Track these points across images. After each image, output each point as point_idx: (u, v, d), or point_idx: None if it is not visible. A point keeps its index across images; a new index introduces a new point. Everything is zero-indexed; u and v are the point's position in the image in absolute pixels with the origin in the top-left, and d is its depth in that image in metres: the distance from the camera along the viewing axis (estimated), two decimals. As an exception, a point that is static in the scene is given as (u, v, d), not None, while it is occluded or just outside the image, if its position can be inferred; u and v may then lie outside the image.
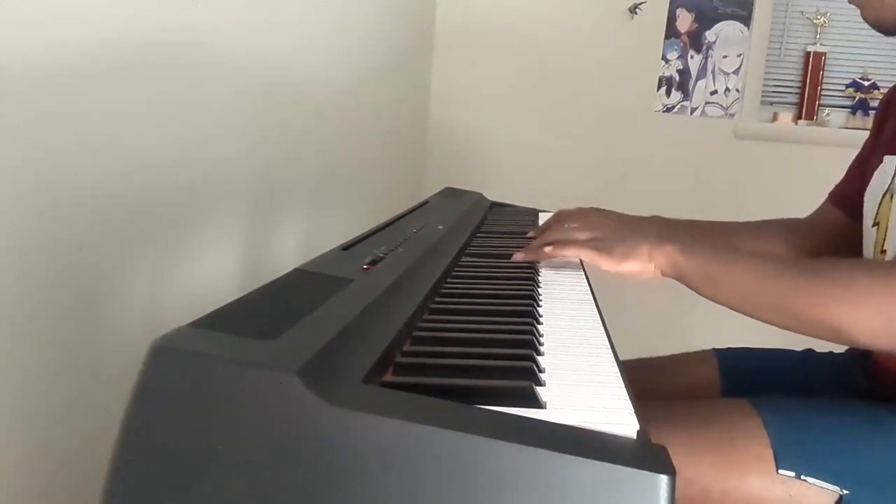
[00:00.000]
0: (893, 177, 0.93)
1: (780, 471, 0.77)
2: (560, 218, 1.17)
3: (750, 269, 0.81)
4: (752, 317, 0.81)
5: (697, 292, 0.85)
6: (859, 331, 0.72)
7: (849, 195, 1.08)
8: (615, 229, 0.95)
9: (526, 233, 1.14)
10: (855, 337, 0.73)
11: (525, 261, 0.97)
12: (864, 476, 0.77)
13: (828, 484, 0.76)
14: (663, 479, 0.41)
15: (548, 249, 0.94)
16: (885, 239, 0.93)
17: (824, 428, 0.81)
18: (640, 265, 0.86)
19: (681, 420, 0.83)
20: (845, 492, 0.76)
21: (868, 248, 0.99)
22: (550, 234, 0.98)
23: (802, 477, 0.76)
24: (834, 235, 1.10)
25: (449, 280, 0.85)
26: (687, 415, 0.85)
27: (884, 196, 0.94)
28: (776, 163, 2.53)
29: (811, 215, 1.17)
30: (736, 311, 0.82)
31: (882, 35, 0.95)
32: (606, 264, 0.88)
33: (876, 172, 0.98)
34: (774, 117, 2.59)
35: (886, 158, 0.96)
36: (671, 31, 2.55)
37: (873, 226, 0.97)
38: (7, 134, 0.81)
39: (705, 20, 2.54)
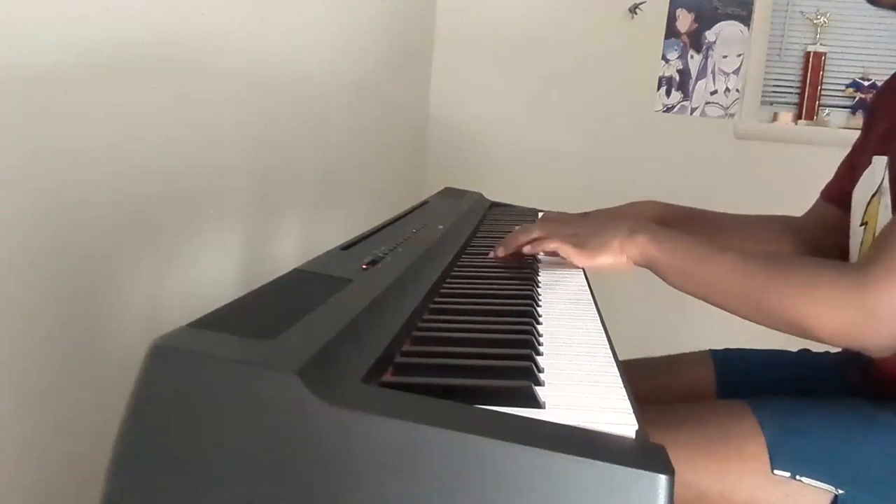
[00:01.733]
0: (882, 178, 0.93)
1: (776, 471, 0.77)
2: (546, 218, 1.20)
3: (721, 264, 0.83)
4: (722, 309, 0.83)
5: (669, 283, 0.87)
6: (823, 329, 0.74)
7: (841, 191, 1.09)
8: (590, 224, 0.96)
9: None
10: (818, 334, 0.75)
11: (502, 256, 0.98)
12: (858, 475, 0.77)
13: (823, 484, 0.76)
14: (662, 479, 0.41)
15: (527, 249, 0.96)
16: (872, 239, 0.93)
17: (819, 428, 0.81)
18: (613, 257, 0.88)
19: (678, 422, 0.83)
20: (840, 491, 0.76)
21: (854, 247, 0.99)
22: (529, 231, 0.98)
23: (798, 477, 0.77)
24: (829, 231, 1.11)
25: (448, 280, 0.85)
26: (684, 417, 0.85)
27: (872, 196, 0.95)
28: (776, 163, 2.53)
29: (805, 214, 1.18)
30: (705, 302, 0.84)
31: (884, 32, 0.95)
32: (580, 259, 0.91)
33: (865, 172, 0.98)
34: (774, 117, 2.59)
35: (875, 159, 0.96)
36: (671, 31, 2.55)
37: (861, 225, 0.97)
38: (7, 134, 0.81)
39: (705, 20, 2.54)
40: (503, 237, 1.14)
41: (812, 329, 0.74)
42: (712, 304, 0.83)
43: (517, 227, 1.03)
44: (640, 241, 0.87)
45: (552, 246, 0.93)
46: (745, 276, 0.80)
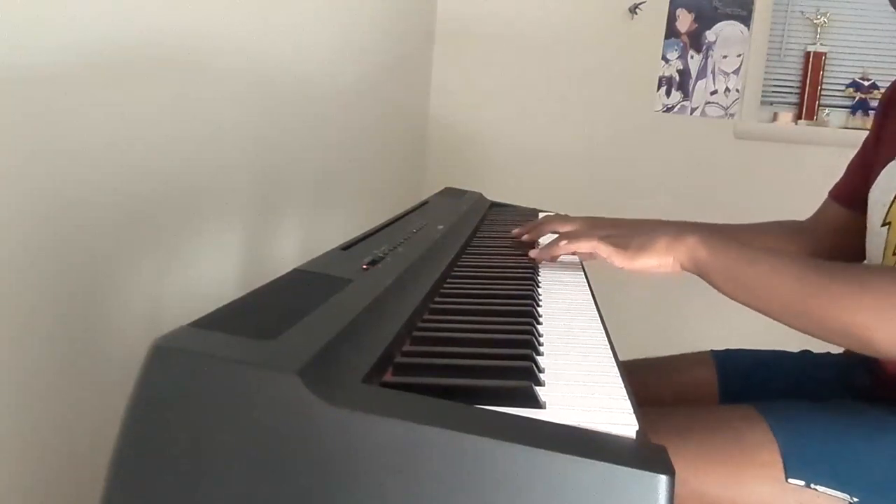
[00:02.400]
0: None
1: (790, 480, 0.76)
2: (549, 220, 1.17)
3: (774, 269, 0.78)
4: (771, 317, 0.79)
5: (716, 288, 0.82)
6: (884, 341, 0.70)
7: (852, 192, 1.07)
8: (630, 225, 0.92)
9: (513, 232, 1.14)
10: (879, 347, 0.71)
11: (540, 258, 0.97)
12: (873, 482, 0.76)
13: (837, 492, 0.75)
14: (663, 479, 0.41)
15: (563, 243, 0.93)
16: None
17: (833, 434, 0.80)
18: (658, 259, 0.83)
19: (687, 429, 0.81)
20: (855, 499, 0.75)
21: (876, 249, 0.97)
22: (569, 233, 0.96)
23: (812, 485, 0.76)
24: (840, 233, 1.09)
25: (449, 280, 0.85)
26: (693, 422, 0.83)
27: None
28: (776, 163, 2.53)
29: (813, 215, 1.16)
30: (755, 310, 0.80)
31: (884, 32, 0.93)
32: (621, 260, 0.85)
33: (884, 171, 0.96)
34: (774, 117, 2.59)
35: None
36: (671, 31, 2.55)
37: (883, 226, 0.95)
38: (7, 134, 0.81)
39: (705, 20, 2.54)
40: (503, 237, 1.14)
41: (873, 341, 0.71)
42: (763, 312, 0.79)
43: (548, 228, 1.02)
44: (690, 242, 0.82)
45: (588, 246, 0.89)
46: (801, 284, 0.76)
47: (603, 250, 0.87)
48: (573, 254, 0.96)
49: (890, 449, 0.79)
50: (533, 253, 0.99)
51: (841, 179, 1.13)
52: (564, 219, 1.16)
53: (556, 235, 1.00)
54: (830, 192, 1.14)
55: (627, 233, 0.88)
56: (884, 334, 0.70)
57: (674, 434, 0.78)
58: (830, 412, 0.84)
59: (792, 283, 0.76)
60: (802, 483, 0.76)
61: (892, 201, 0.94)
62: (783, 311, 0.77)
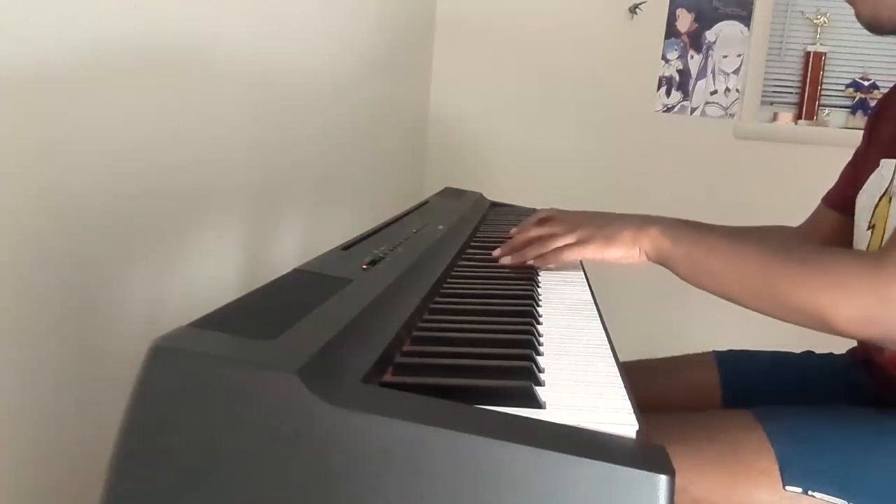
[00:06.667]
0: (892, 180, 0.92)
1: (787, 487, 0.76)
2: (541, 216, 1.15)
3: (734, 255, 0.80)
4: (734, 302, 0.81)
5: (681, 277, 0.84)
6: (840, 318, 0.71)
7: (844, 196, 1.08)
8: (596, 218, 0.92)
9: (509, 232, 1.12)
10: (836, 324, 0.72)
11: (510, 264, 0.96)
12: (871, 488, 0.76)
13: (835, 498, 0.75)
14: (662, 479, 0.41)
15: (536, 262, 0.94)
16: (881, 242, 0.93)
17: (830, 440, 0.80)
18: (625, 250, 0.85)
19: (685, 435, 0.81)
20: None
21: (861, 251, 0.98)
22: (537, 246, 0.95)
23: (809, 492, 0.75)
24: (832, 236, 1.10)
25: (448, 280, 0.85)
26: (691, 430, 0.83)
27: (881, 198, 0.94)
28: (776, 163, 2.53)
29: (806, 220, 1.17)
30: (718, 296, 0.82)
31: (878, 35, 0.94)
32: (590, 252, 0.87)
33: (872, 176, 0.98)
34: (774, 117, 2.59)
35: (884, 162, 0.95)
36: (671, 31, 2.55)
37: (868, 229, 0.96)
38: (7, 134, 0.81)
39: (705, 20, 2.54)
40: (503, 237, 1.14)
41: (830, 319, 0.72)
42: (724, 297, 0.81)
43: (517, 230, 1.01)
44: (653, 232, 0.84)
45: (556, 257, 0.90)
46: (760, 268, 0.78)
47: (572, 252, 0.88)
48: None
49: (889, 454, 0.79)
50: (497, 253, 0.97)
51: (834, 185, 1.15)
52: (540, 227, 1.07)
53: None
54: (824, 198, 1.16)
55: (595, 225, 0.89)
56: (843, 313, 0.71)
57: (671, 441, 0.78)
58: (830, 418, 0.84)
59: (752, 266, 0.78)
60: (800, 490, 0.76)
61: (877, 205, 0.95)
62: (742, 294, 0.79)
